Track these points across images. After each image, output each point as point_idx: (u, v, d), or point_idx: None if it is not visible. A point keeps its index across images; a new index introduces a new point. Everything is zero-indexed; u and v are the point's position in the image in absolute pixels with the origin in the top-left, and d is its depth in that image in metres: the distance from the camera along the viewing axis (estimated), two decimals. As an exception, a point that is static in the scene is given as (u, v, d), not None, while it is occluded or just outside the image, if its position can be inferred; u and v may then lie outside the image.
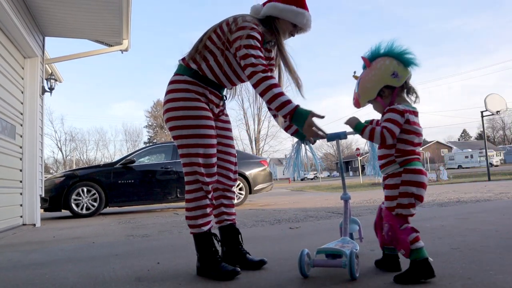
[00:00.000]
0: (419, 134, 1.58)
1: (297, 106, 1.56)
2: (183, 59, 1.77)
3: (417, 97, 1.62)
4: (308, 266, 1.62)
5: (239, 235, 1.89)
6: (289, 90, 1.81)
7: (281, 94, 1.56)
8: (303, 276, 1.61)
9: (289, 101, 1.56)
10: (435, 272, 1.41)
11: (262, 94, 1.58)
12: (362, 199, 6.86)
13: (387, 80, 1.56)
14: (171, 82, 1.75)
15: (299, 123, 1.56)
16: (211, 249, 1.72)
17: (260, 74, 1.57)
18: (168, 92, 1.74)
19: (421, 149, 1.33)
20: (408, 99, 1.62)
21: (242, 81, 1.82)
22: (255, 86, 1.59)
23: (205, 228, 1.72)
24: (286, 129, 1.98)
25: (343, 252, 1.57)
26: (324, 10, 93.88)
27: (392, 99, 1.59)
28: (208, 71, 1.72)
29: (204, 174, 1.70)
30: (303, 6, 1.76)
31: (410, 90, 1.61)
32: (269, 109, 1.91)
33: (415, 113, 1.57)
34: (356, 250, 1.66)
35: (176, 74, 1.77)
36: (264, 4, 1.80)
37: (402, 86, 1.59)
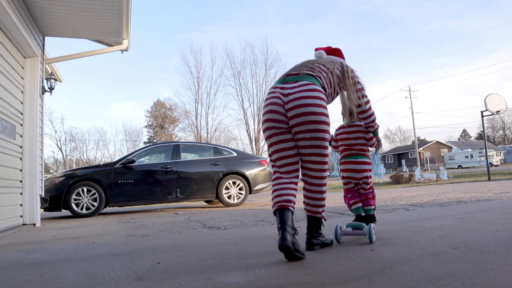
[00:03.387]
0: (335, 139, 2.74)
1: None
2: (310, 75, 2.18)
3: (351, 116, 2.65)
4: (341, 234, 2.41)
5: None
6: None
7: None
8: (337, 241, 2.39)
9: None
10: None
11: (370, 115, 2.42)
12: (362, 199, 6.86)
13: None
14: (320, 91, 2.12)
15: (377, 135, 2.63)
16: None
17: (370, 103, 2.41)
18: (321, 97, 2.09)
19: (371, 148, 2.80)
20: (350, 118, 2.65)
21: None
22: (367, 109, 2.38)
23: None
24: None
25: (363, 226, 2.37)
26: (323, 11, 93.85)
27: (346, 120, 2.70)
28: (330, 92, 2.31)
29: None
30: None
31: (350, 113, 2.64)
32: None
33: (343, 127, 2.68)
34: (373, 225, 2.40)
35: (316, 84, 2.14)
36: (327, 51, 2.54)
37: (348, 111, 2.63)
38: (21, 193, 4.88)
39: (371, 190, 2.64)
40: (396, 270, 1.62)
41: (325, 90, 2.20)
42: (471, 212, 3.69)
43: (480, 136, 68.43)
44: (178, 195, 6.71)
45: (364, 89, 2.36)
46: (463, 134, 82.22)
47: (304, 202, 2.22)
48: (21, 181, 4.89)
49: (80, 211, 6.12)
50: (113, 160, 7.07)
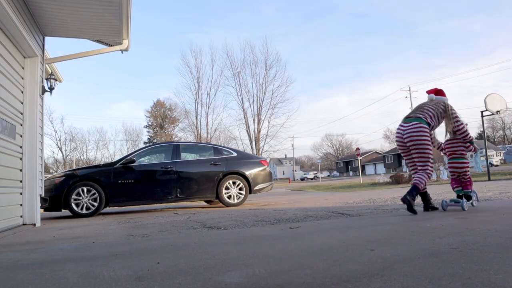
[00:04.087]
0: (443, 148, 4.26)
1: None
2: (419, 117, 3.93)
3: (454, 134, 4.14)
4: (446, 205, 3.97)
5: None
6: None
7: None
8: (443, 209, 3.97)
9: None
10: (439, 271, 1.41)
11: (464, 132, 4.02)
12: (362, 199, 6.86)
13: None
14: (423, 127, 3.85)
15: (473, 143, 4.11)
16: (428, 197, 4.11)
17: (463, 125, 4.04)
18: (423, 131, 3.84)
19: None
20: (453, 135, 4.16)
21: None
22: (461, 129, 4.01)
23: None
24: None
25: (460, 201, 3.87)
26: (322, 12, 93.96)
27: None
28: (433, 125, 4.00)
29: (432, 166, 3.95)
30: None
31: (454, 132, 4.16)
32: (443, 147, 4.30)
33: (448, 140, 4.18)
34: (468, 202, 3.96)
35: (421, 122, 3.88)
36: (435, 92, 4.23)
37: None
38: (21, 193, 4.88)
39: (469, 179, 4.07)
40: (396, 270, 1.62)
41: (429, 124, 3.90)
42: (471, 212, 3.69)
43: (480, 136, 68.34)
44: (178, 195, 6.70)
45: (459, 118, 4.03)
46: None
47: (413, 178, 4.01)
48: (21, 181, 4.88)
49: (80, 211, 6.12)
50: (113, 160, 7.06)
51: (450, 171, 4.14)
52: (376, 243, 2.31)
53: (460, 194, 4.05)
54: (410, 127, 3.89)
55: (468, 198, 4.03)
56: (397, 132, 4.07)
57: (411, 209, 3.77)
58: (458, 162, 4.06)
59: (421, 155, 3.88)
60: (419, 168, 3.93)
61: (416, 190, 3.80)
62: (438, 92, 4.22)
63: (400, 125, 4.04)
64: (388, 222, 3.33)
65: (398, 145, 4.13)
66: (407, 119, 4.00)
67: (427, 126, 3.85)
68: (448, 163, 4.17)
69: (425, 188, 3.99)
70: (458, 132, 4.01)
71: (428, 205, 4.05)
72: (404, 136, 3.92)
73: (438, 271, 1.52)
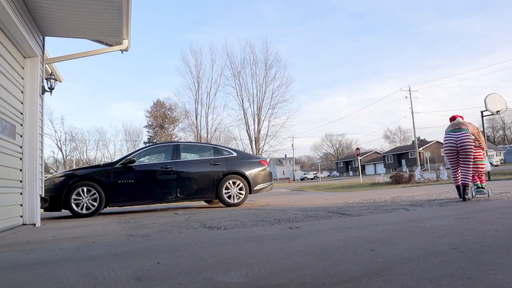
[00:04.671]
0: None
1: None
2: (465, 128, 5.24)
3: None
4: (475, 194, 5.38)
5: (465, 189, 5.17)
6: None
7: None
8: (472, 197, 5.32)
9: None
10: (439, 271, 1.41)
11: (483, 143, 5.50)
12: (362, 199, 6.86)
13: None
14: (470, 135, 5.19)
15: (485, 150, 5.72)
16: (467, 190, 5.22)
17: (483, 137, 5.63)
18: (471, 139, 5.18)
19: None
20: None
21: None
22: (483, 143, 5.52)
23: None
24: None
25: (483, 190, 5.38)
26: (321, 12, 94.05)
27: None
28: None
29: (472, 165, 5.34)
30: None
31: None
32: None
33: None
34: (489, 191, 5.45)
35: (468, 132, 5.19)
36: (461, 118, 5.63)
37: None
38: (21, 193, 4.88)
39: (484, 176, 5.49)
40: (396, 270, 1.62)
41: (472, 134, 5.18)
42: (471, 212, 3.69)
43: (480, 136, 68.26)
44: (178, 195, 6.70)
45: (482, 135, 5.48)
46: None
47: (460, 178, 5.19)
48: (21, 181, 4.88)
49: (80, 211, 6.11)
50: (113, 160, 7.05)
51: (473, 170, 5.36)
52: (376, 243, 2.31)
53: (479, 186, 5.38)
54: (462, 135, 5.15)
55: (483, 187, 5.41)
56: (449, 139, 5.24)
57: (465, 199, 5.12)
58: (481, 164, 5.39)
59: (467, 157, 5.13)
60: (462, 167, 5.17)
61: (467, 188, 5.13)
62: (461, 118, 5.65)
63: (451, 134, 5.25)
64: (388, 222, 3.33)
65: (449, 149, 5.23)
66: (457, 129, 5.25)
67: (471, 135, 5.18)
68: (473, 164, 5.49)
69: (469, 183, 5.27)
70: (480, 143, 5.40)
71: (466, 196, 5.11)
72: (458, 142, 5.15)
73: (438, 271, 1.52)
